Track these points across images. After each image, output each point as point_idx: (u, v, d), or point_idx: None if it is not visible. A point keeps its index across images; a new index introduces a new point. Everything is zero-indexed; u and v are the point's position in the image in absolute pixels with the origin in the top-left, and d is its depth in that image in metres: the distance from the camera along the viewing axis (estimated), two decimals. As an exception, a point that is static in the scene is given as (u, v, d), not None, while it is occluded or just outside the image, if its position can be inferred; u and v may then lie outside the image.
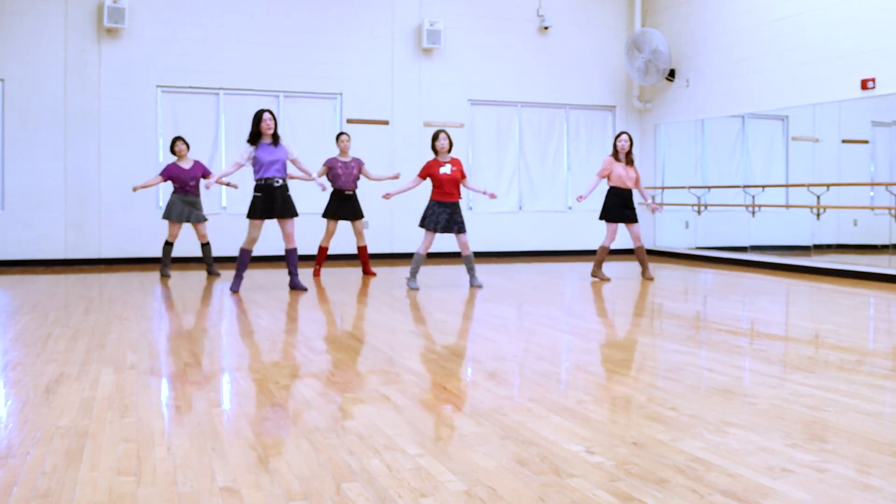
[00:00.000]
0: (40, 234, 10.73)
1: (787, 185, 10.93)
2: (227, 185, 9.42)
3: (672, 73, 12.60)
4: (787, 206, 10.90)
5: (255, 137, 7.77)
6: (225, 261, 11.31)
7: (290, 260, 8.00)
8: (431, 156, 8.66)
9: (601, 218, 9.26)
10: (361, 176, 9.62)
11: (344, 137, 9.57)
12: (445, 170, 8.24)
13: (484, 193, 8.58)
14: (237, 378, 4.29)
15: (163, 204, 11.17)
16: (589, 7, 13.17)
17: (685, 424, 3.39)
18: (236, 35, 11.46)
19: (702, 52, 12.11)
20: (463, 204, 12.52)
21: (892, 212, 9.37)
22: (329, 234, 9.59)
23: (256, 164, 7.77)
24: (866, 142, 10.42)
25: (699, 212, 12.28)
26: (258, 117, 7.78)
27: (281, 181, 7.78)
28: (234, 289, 7.88)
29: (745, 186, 11.40)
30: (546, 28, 12.84)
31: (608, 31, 13.28)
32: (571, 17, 13.06)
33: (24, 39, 10.61)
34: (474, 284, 8.45)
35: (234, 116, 11.52)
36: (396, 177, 9.67)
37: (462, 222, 8.25)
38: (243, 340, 5.51)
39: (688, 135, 12.65)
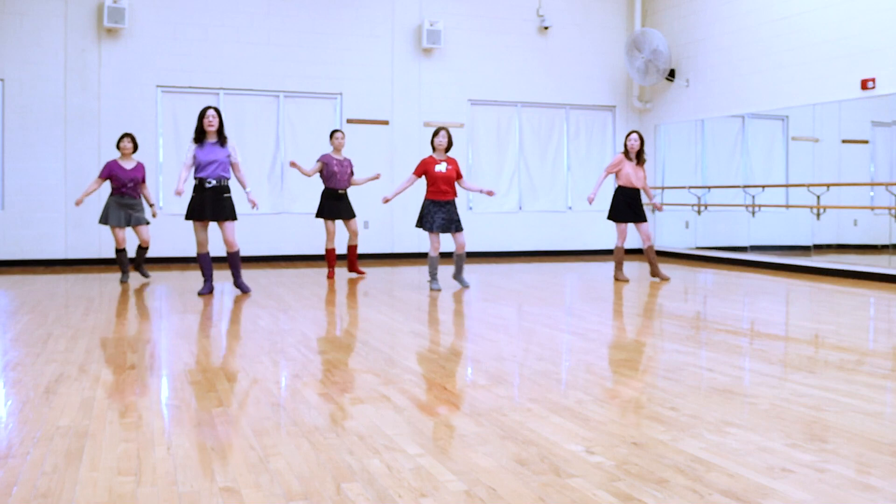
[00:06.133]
0: (40, 234, 10.72)
1: (787, 185, 10.93)
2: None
3: (672, 73, 12.60)
4: (787, 206, 10.90)
5: (199, 135, 7.60)
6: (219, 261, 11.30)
7: (231, 262, 7.78)
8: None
9: (609, 218, 9.22)
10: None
11: (339, 135, 9.40)
12: (441, 167, 8.15)
13: (481, 192, 8.47)
14: (237, 378, 4.29)
15: (163, 204, 11.19)
16: (589, 7, 13.17)
17: (685, 424, 3.39)
18: (236, 35, 11.46)
19: (702, 52, 12.10)
20: (462, 203, 12.53)
21: (892, 212, 9.37)
22: (331, 235, 9.41)
23: (195, 163, 7.58)
24: (866, 142, 10.42)
25: (699, 212, 12.28)
26: (201, 114, 7.61)
27: (215, 182, 7.54)
28: (203, 291, 7.74)
29: (745, 186, 11.40)
30: (546, 28, 12.84)
31: (608, 31, 13.28)
32: (571, 17, 13.06)
33: (24, 39, 10.60)
34: (464, 284, 8.40)
35: (234, 116, 11.51)
36: (377, 177, 9.53)
37: (459, 221, 8.17)
38: (243, 340, 5.51)
39: (688, 135, 12.65)
